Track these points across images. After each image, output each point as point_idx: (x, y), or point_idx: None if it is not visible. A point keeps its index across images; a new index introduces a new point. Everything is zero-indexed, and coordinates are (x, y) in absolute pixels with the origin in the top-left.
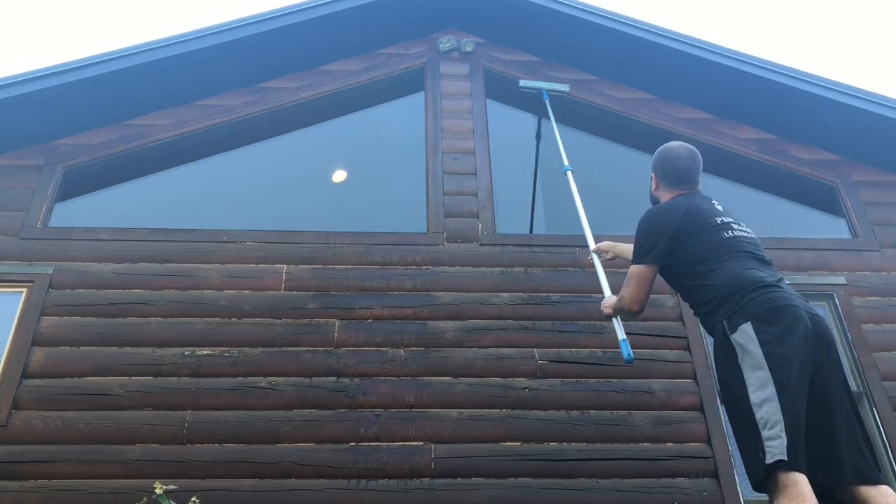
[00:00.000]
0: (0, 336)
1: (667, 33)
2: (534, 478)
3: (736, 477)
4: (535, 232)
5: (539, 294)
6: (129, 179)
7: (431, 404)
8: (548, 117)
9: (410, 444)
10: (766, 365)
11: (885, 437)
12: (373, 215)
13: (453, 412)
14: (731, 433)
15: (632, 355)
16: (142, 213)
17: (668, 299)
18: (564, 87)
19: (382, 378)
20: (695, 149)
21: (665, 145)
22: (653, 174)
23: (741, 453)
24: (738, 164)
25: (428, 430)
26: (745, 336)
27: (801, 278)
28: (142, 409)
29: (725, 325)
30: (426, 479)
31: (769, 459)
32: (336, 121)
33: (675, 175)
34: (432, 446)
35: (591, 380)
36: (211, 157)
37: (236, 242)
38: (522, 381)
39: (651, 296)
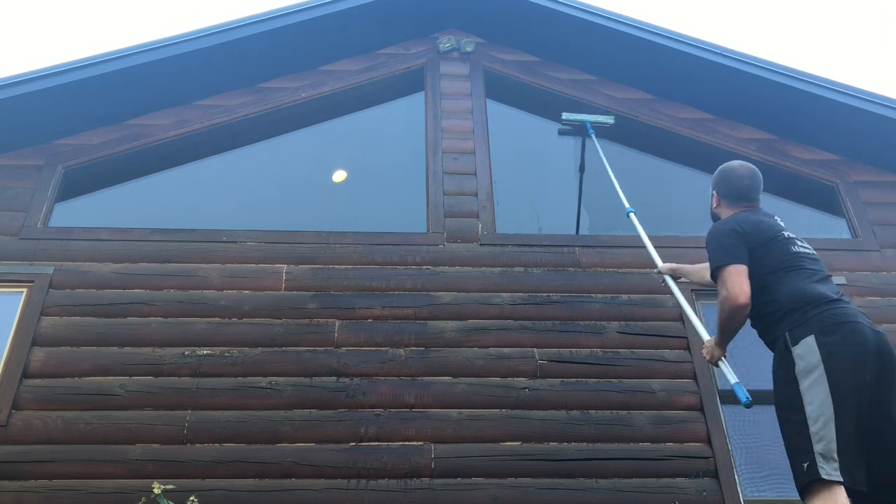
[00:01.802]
0: (0, 336)
1: (667, 33)
2: (534, 478)
3: (736, 477)
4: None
5: (539, 294)
6: (129, 179)
7: (431, 404)
8: (590, 144)
9: (410, 444)
10: (825, 379)
11: None
12: (373, 215)
13: (453, 412)
14: (731, 433)
15: (750, 399)
16: (142, 213)
17: (668, 299)
18: (608, 119)
19: (382, 378)
20: (756, 168)
21: (726, 164)
22: (714, 192)
23: (789, 458)
24: None
25: (428, 430)
26: (807, 349)
27: None
28: (142, 409)
29: (788, 337)
30: (426, 479)
31: (821, 475)
32: (336, 121)
33: (736, 193)
34: (432, 446)
35: (591, 380)
36: (211, 157)
37: (236, 242)
38: (522, 381)
39: (651, 296)
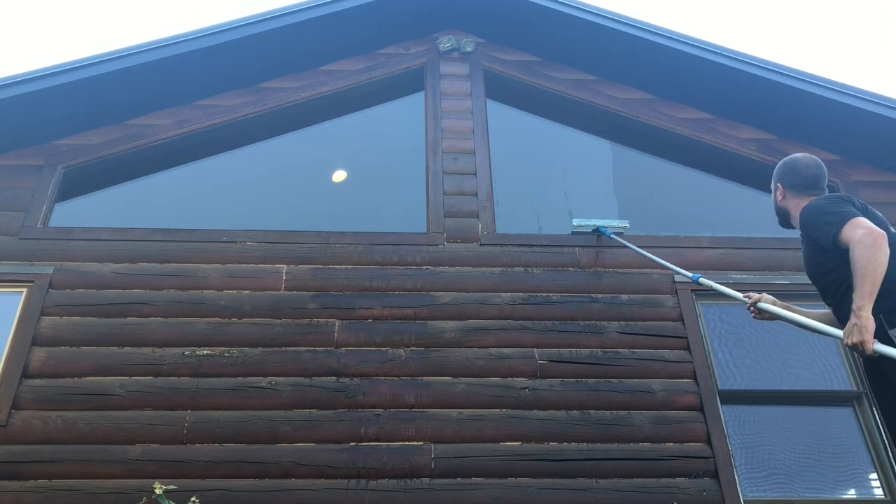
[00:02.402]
0: (0, 336)
1: (667, 33)
2: (534, 478)
3: (736, 477)
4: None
5: (539, 294)
6: (129, 179)
7: (431, 404)
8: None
9: (410, 444)
10: None
11: (884, 437)
12: (373, 215)
13: (453, 412)
14: (731, 433)
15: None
16: (142, 213)
17: (668, 299)
18: (624, 223)
19: (382, 378)
20: (818, 159)
21: (789, 157)
22: (779, 185)
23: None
24: (738, 164)
25: (428, 430)
26: None
27: (801, 278)
28: (142, 409)
29: (883, 319)
30: (426, 479)
31: None
32: (336, 121)
33: (804, 183)
34: (432, 446)
35: (591, 380)
36: (211, 157)
37: (236, 242)
38: (522, 381)
39: (651, 296)
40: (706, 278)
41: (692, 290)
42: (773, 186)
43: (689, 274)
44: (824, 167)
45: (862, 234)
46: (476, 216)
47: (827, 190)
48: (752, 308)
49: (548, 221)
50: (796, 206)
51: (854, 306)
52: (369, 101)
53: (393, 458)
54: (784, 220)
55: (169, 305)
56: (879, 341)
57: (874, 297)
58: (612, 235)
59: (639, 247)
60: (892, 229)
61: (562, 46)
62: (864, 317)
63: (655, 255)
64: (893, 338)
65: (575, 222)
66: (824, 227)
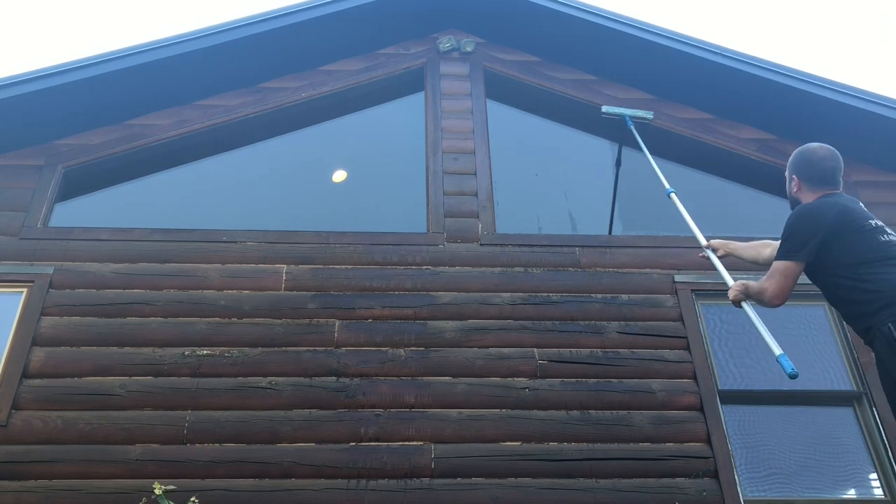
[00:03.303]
0: (0, 336)
1: (667, 33)
2: (534, 478)
3: (736, 477)
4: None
5: (539, 294)
6: (129, 179)
7: (431, 404)
8: (632, 142)
9: (410, 444)
10: None
11: (884, 437)
12: (373, 215)
13: (453, 412)
14: (731, 433)
15: (796, 371)
16: (142, 213)
17: (668, 299)
18: (648, 115)
19: (382, 378)
20: (836, 150)
21: (805, 147)
22: (793, 176)
23: None
24: (738, 164)
25: (428, 430)
26: None
27: (801, 278)
28: (142, 409)
29: (892, 327)
30: (426, 479)
31: None
32: (336, 121)
33: (819, 176)
34: (432, 446)
35: (591, 380)
36: (211, 158)
37: (236, 242)
38: (522, 381)
39: (651, 295)
40: (676, 199)
41: (692, 290)
42: (787, 175)
43: (667, 185)
44: (840, 159)
45: (763, 289)
46: (476, 216)
47: (841, 184)
48: (703, 255)
49: (548, 221)
50: (808, 199)
51: (744, 287)
52: (369, 101)
53: (393, 458)
54: None
55: (169, 305)
56: (887, 346)
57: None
58: (632, 127)
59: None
60: (874, 222)
61: (562, 46)
62: (751, 293)
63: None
64: None
65: (604, 109)
66: (781, 244)
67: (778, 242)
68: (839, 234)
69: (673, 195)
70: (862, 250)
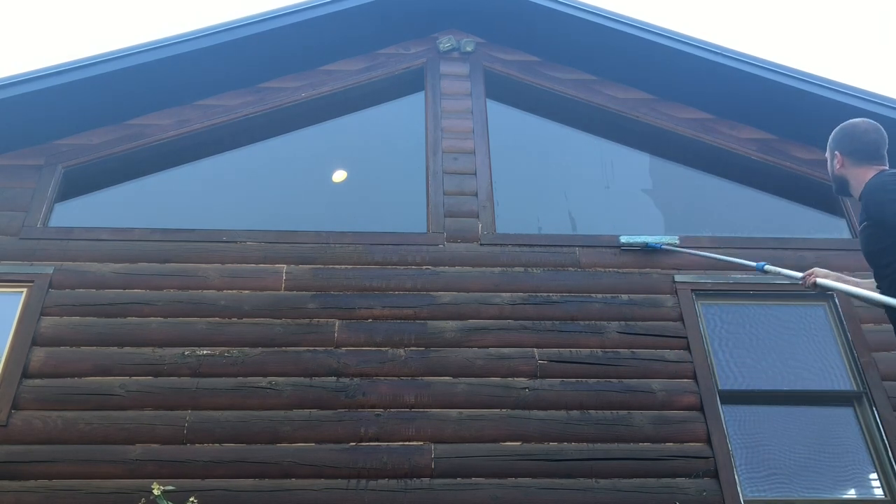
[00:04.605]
0: (0, 336)
1: (667, 33)
2: (534, 478)
3: (736, 477)
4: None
5: (539, 294)
6: (129, 179)
7: (431, 404)
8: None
9: (410, 444)
10: None
11: (884, 437)
12: (373, 215)
13: (453, 412)
14: (731, 433)
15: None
16: (142, 213)
17: (668, 299)
18: (674, 239)
19: (382, 378)
20: (878, 123)
21: (847, 122)
22: (836, 152)
23: None
24: (738, 164)
25: (428, 430)
26: None
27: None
28: (142, 409)
29: None
30: (426, 479)
31: None
32: (336, 121)
33: (864, 150)
34: (432, 446)
35: (591, 380)
36: (211, 157)
37: (236, 242)
38: (522, 381)
39: (651, 295)
40: (770, 265)
41: (692, 290)
42: (828, 154)
43: (754, 264)
44: (884, 133)
45: None
46: (476, 216)
47: (886, 158)
48: (808, 285)
49: (548, 221)
50: (857, 175)
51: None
52: (369, 101)
53: (393, 458)
54: (842, 188)
55: (169, 305)
56: None
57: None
58: (666, 247)
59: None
60: None
61: (562, 46)
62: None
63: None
64: None
65: (623, 239)
66: (892, 206)
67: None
68: None
69: (767, 266)
70: None
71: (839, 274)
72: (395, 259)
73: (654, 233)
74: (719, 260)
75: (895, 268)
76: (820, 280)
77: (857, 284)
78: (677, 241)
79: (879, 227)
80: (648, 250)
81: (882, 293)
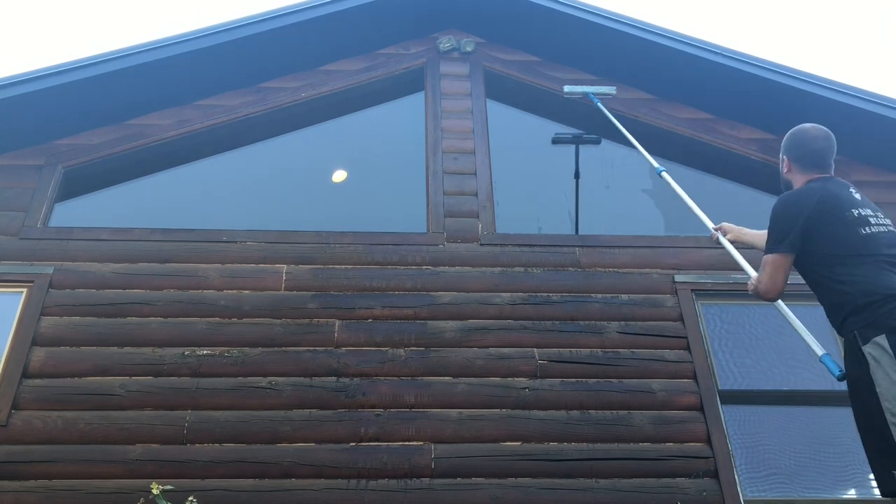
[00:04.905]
0: (0, 336)
1: (667, 33)
2: (534, 478)
3: (736, 477)
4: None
5: (539, 294)
6: (129, 179)
7: (431, 404)
8: (605, 120)
9: (410, 444)
10: None
11: None
12: (373, 215)
13: (453, 412)
14: (731, 433)
15: (843, 371)
16: (142, 213)
17: (668, 299)
18: (611, 90)
19: (382, 378)
20: (829, 131)
21: (798, 127)
22: (784, 157)
23: (870, 463)
24: (738, 164)
25: (428, 430)
26: (879, 349)
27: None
28: (142, 409)
29: (857, 335)
30: (426, 479)
31: None
32: (336, 121)
33: (809, 157)
34: (432, 446)
35: (591, 380)
36: (211, 157)
37: (236, 242)
38: (522, 381)
39: (651, 295)
40: (669, 177)
41: (692, 290)
42: (780, 157)
43: (656, 164)
44: (833, 140)
45: (756, 283)
46: (476, 216)
47: (833, 167)
48: (713, 240)
49: (548, 221)
50: (799, 181)
51: (752, 282)
52: (369, 101)
53: (393, 458)
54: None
55: (169, 305)
56: (852, 356)
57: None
58: (598, 103)
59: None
60: (860, 210)
61: (562, 46)
62: (730, 237)
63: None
64: (867, 354)
65: (567, 88)
66: (768, 236)
67: None
68: (818, 224)
69: (664, 174)
70: (837, 245)
71: (742, 229)
72: (395, 259)
73: (655, 232)
74: (630, 140)
75: (839, 267)
76: (720, 237)
77: (753, 236)
78: (614, 92)
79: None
80: (590, 103)
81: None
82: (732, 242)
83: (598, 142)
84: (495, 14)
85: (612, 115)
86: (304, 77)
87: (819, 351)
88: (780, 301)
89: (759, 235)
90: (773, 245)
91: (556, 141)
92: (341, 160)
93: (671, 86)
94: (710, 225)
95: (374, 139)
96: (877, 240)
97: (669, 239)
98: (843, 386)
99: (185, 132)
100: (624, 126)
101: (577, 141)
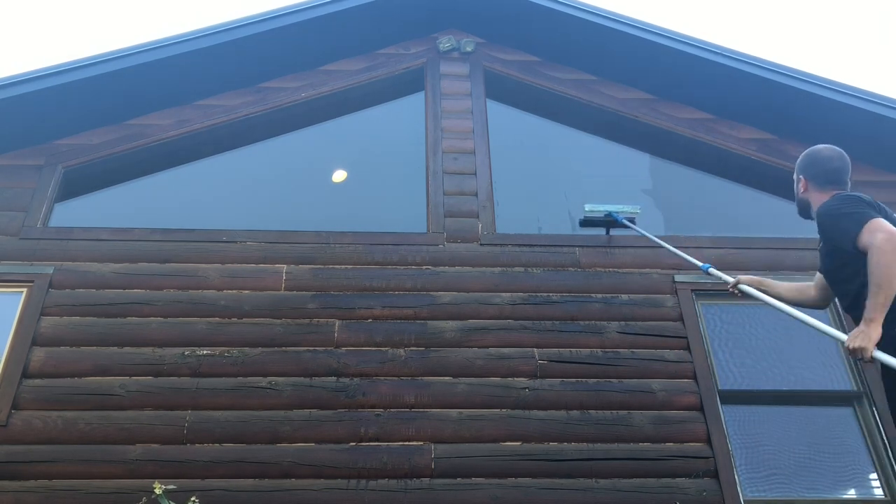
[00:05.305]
0: (0, 336)
1: (667, 33)
2: (534, 478)
3: (736, 477)
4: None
5: (539, 294)
6: (129, 179)
7: (431, 404)
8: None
9: (410, 444)
10: None
11: (884, 438)
12: (373, 215)
13: (453, 412)
14: (731, 433)
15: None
16: (142, 213)
17: (668, 299)
18: (635, 209)
19: (382, 378)
20: (843, 151)
21: (812, 148)
22: (801, 177)
23: None
24: (738, 164)
25: (428, 430)
26: None
27: (801, 277)
28: (142, 409)
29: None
30: (426, 479)
31: None
32: (336, 121)
33: (826, 176)
34: (432, 446)
35: (591, 380)
36: (211, 157)
37: (236, 242)
38: (522, 381)
39: (651, 295)
40: (715, 269)
41: (692, 290)
42: (795, 177)
43: (700, 263)
44: (847, 160)
45: (882, 238)
46: (476, 216)
47: (849, 184)
48: (733, 289)
49: (548, 221)
50: (817, 199)
51: (866, 315)
52: (369, 101)
53: (393, 458)
54: (805, 211)
55: (169, 305)
56: (891, 348)
57: (887, 307)
58: (625, 221)
59: (633, 237)
60: None
61: (562, 46)
62: (873, 327)
63: (665, 244)
64: None
65: (587, 207)
66: (844, 229)
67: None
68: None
69: (712, 269)
70: None
71: (761, 279)
72: (395, 259)
73: (655, 232)
74: (671, 251)
75: (857, 282)
76: (742, 286)
77: (777, 288)
78: (638, 211)
79: (833, 248)
80: (611, 222)
81: (845, 308)
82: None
83: (633, 219)
84: (495, 14)
85: (641, 230)
86: (304, 77)
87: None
88: (767, 297)
89: (787, 287)
90: (863, 217)
91: (584, 223)
92: (341, 160)
93: (671, 86)
94: (730, 281)
95: (374, 139)
96: None
97: (669, 239)
98: (844, 386)
99: (185, 132)
100: (624, 126)
101: (608, 224)
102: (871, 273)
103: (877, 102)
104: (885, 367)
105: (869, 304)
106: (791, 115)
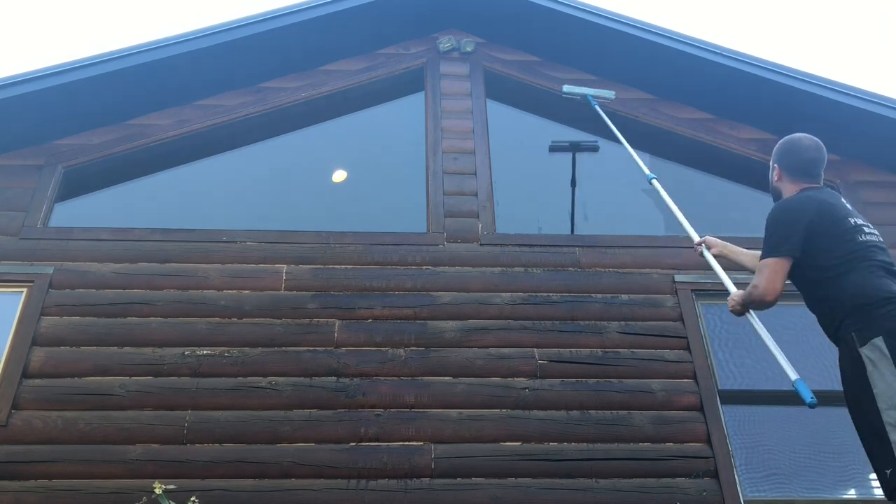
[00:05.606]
0: (0, 336)
1: (667, 33)
2: (534, 478)
3: (736, 477)
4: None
5: (539, 294)
6: (129, 179)
7: (431, 404)
8: (603, 124)
9: (410, 444)
10: None
11: None
12: (373, 215)
13: (453, 412)
14: (731, 433)
15: (815, 399)
16: (142, 213)
17: (668, 299)
18: (609, 94)
19: (382, 378)
20: (821, 143)
21: (790, 136)
22: (775, 165)
23: (873, 467)
24: (738, 164)
25: (428, 430)
26: (877, 351)
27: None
28: (142, 409)
29: (854, 337)
30: (426, 479)
31: None
32: (336, 121)
33: (800, 167)
34: (432, 446)
35: (591, 380)
36: (211, 157)
37: (236, 242)
38: (522, 381)
39: (651, 295)
40: (659, 185)
41: (692, 290)
42: (770, 164)
43: (647, 171)
44: (824, 152)
45: (753, 288)
46: (476, 216)
47: (822, 177)
48: (698, 248)
49: (548, 221)
50: (788, 190)
51: (743, 297)
52: (369, 101)
53: (393, 458)
54: (777, 199)
55: (169, 305)
56: (849, 359)
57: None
58: (595, 105)
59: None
60: (854, 220)
61: (562, 46)
62: (738, 307)
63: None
64: (864, 357)
65: (565, 88)
66: (765, 241)
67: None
68: (817, 232)
69: (655, 181)
70: (834, 252)
71: (726, 244)
72: (395, 259)
73: (655, 231)
74: (628, 152)
75: (836, 271)
76: (704, 250)
77: (740, 255)
78: (613, 97)
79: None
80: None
81: (827, 294)
82: (716, 257)
83: (596, 149)
84: (495, 14)
85: (609, 119)
86: (304, 77)
87: (793, 376)
88: (757, 322)
89: (745, 253)
90: (772, 249)
91: (553, 149)
92: (341, 160)
93: (671, 86)
94: (696, 238)
95: (374, 139)
96: (870, 247)
97: (669, 239)
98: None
99: (185, 132)
100: (624, 127)
101: (574, 149)
102: (746, 295)
103: (877, 102)
104: (841, 373)
105: (739, 295)
106: (791, 115)
